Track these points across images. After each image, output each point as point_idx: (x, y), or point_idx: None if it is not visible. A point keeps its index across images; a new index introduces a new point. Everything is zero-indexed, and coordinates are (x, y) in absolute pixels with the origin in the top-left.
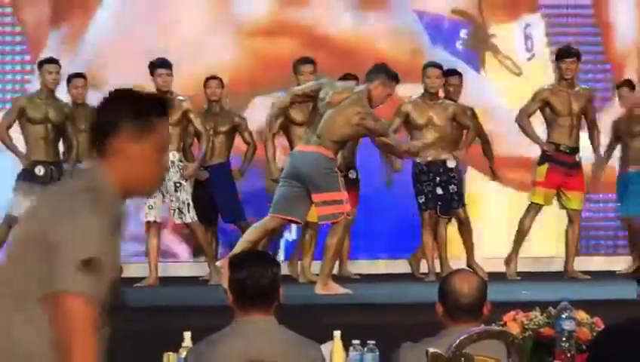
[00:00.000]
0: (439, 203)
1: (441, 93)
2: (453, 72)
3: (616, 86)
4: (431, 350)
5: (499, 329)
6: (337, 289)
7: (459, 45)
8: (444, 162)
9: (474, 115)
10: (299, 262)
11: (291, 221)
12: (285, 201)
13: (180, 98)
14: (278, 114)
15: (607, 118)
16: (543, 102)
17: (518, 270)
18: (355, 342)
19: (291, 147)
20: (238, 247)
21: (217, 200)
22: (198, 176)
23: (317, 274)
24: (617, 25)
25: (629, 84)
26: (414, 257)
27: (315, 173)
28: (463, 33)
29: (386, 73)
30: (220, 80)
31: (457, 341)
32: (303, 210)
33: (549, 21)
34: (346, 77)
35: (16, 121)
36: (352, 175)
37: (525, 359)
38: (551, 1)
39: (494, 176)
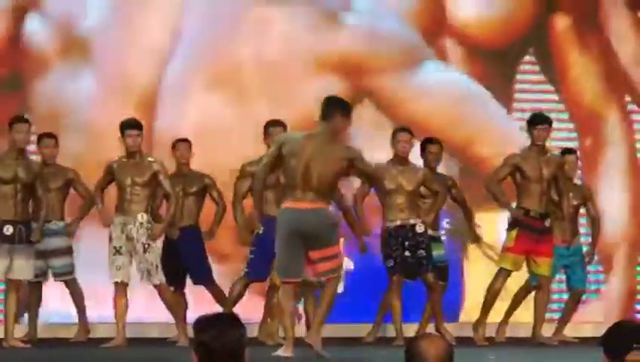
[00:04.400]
0: (407, 267)
1: (420, 161)
2: (432, 140)
3: None
4: None
5: None
6: (321, 350)
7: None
8: (412, 226)
9: (454, 185)
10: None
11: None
12: (290, 263)
13: (150, 159)
14: (261, 196)
15: None
16: (513, 167)
17: (487, 335)
18: None
19: (277, 205)
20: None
21: (186, 261)
22: (169, 235)
23: (283, 338)
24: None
25: None
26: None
27: (323, 230)
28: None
29: (342, 105)
30: (189, 142)
31: None
32: (302, 269)
33: None
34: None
35: None
36: None
37: None
38: None
39: (475, 240)
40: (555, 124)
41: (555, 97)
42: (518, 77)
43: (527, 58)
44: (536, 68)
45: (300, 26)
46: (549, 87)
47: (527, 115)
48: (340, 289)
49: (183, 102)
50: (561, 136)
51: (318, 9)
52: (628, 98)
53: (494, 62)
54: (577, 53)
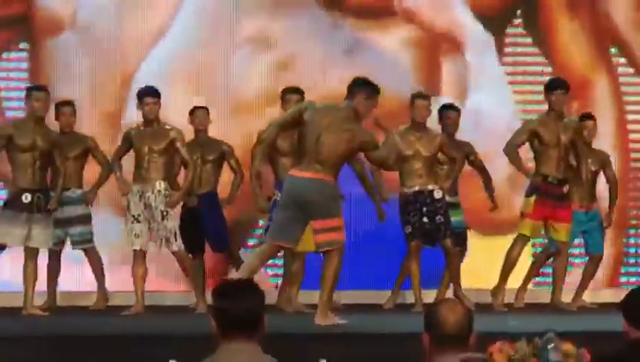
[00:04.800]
0: (426, 233)
1: (438, 126)
2: (451, 107)
3: None
4: None
5: (482, 357)
6: (336, 320)
7: None
8: (431, 192)
9: (472, 151)
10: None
11: (285, 247)
12: (282, 227)
13: (167, 127)
14: (266, 151)
15: None
16: (531, 133)
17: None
18: None
19: (276, 177)
20: (241, 275)
21: (205, 229)
22: (188, 202)
23: (305, 304)
24: None
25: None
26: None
27: (321, 200)
28: None
29: (368, 87)
30: (207, 109)
31: None
32: (297, 236)
33: None
34: (292, 90)
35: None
36: None
37: None
38: None
39: (494, 208)
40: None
41: (545, 61)
42: (508, 40)
43: (515, 22)
44: (525, 32)
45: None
46: (537, 50)
47: (517, 79)
48: None
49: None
50: None
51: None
52: (619, 61)
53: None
54: (567, 19)
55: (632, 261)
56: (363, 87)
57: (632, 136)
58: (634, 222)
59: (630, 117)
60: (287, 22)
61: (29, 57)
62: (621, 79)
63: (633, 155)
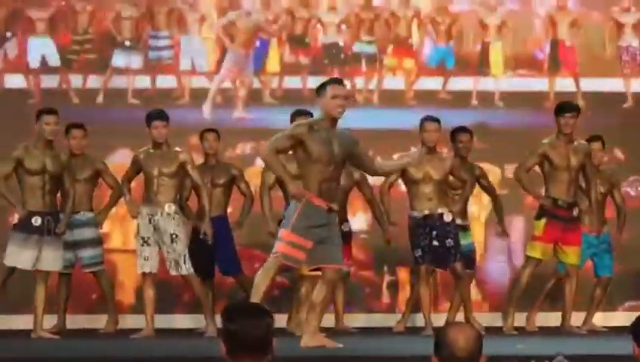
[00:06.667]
0: (436, 256)
1: (450, 150)
2: (463, 129)
3: None
4: None
5: None
6: (326, 342)
7: None
8: (441, 216)
9: (483, 175)
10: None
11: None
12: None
13: (177, 150)
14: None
15: None
16: (541, 157)
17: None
18: None
19: (286, 200)
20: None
21: (215, 252)
22: (197, 226)
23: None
24: None
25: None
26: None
27: None
28: None
29: (321, 86)
30: (217, 133)
31: None
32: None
33: None
34: (300, 112)
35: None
36: (345, 228)
37: None
38: None
39: (503, 233)
40: None
41: None
42: None
43: None
44: None
45: None
46: None
47: None
48: None
49: None
50: None
51: None
52: None
53: None
54: None
55: None
56: (320, 88)
57: None
58: None
59: None
60: None
61: None
62: None
63: None
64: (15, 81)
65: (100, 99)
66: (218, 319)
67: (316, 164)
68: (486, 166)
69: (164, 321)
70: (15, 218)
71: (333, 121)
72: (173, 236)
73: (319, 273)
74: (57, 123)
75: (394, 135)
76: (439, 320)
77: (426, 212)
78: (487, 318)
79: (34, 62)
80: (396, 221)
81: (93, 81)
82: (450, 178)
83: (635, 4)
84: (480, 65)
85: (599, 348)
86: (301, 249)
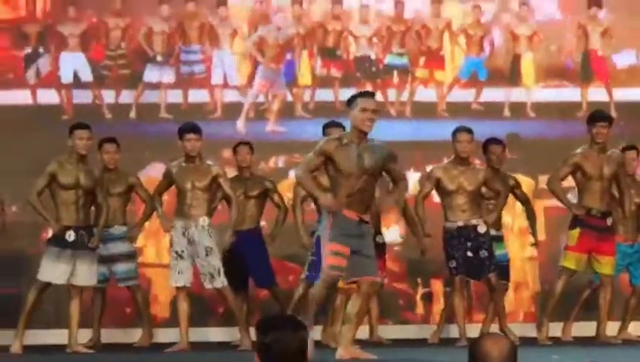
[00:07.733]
0: (470, 267)
1: (482, 162)
2: (495, 141)
3: None
4: None
5: None
6: (360, 354)
7: None
8: (475, 227)
9: (518, 185)
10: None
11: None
12: None
13: (209, 163)
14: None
15: None
16: (574, 167)
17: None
18: None
19: (319, 212)
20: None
21: (249, 265)
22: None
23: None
24: None
25: None
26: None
27: None
28: None
29: (351, 99)
30: (250, 145)
31: None
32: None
33: None
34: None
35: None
36: (379, 240)
37: None
38: None
39: (536, 243)
40: None
41: None
42: None
43: None
44: None
45: None
46: None
47: None
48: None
49: None
50: None
51: None
52: None
53: None
54: None
55: None
56: (350, 102)
57: None
58: None
59: None
60: None
61: None
62: None
63: None
64: (48, 96)
65: (132, 113)
66: (252, 332)
67: (346, 178)
68: (519, 177)
69: (198, 334)
70: (49, 233)
71: (363, 134)
72: (208, 249)
73: (354, 286)
74: (90, 138)
75: (427, 146)
76: (474, 331)
77: (460, 223)
78: (521, 329)
79: (66, 77)
80: (430, 232)
81: (126, 96)
82: (483, 189)
83: None
84: (511, 76)
85: (635, 357)
86: (341, 256)
